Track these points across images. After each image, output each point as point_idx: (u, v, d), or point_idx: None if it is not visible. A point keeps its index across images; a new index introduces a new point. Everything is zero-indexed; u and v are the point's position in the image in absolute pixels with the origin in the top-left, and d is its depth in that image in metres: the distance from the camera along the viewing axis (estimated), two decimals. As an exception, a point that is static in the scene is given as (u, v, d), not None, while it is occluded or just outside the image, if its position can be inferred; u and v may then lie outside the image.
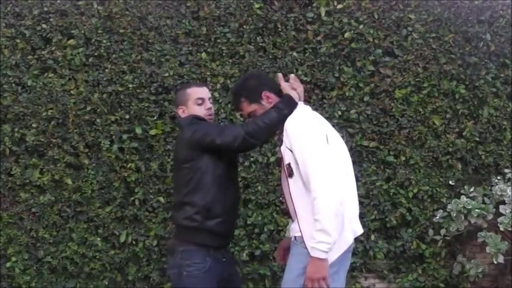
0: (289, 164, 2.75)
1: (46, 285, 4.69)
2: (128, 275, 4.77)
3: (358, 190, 2.97)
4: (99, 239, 4.74)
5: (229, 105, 4.83)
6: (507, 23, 5.26)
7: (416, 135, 5.08)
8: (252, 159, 4.85)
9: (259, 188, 4.84)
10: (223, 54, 4.93)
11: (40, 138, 4.72)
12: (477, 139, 5.15)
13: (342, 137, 3.02)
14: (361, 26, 5.06)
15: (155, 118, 4.82)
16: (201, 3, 4.96)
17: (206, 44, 4.94)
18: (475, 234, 4.85)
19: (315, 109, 4.95)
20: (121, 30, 4.85)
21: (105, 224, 4.75)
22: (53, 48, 4.79)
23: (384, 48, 5.10)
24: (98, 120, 4.78)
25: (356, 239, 2.89)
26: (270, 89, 2.97)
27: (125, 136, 4.78)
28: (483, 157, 5.15)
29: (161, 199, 4.80)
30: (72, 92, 4.78)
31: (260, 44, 4.97)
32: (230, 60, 4.93)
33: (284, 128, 2.79)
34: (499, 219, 4.71)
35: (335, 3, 5.07)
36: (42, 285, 4.70)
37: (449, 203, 4.91)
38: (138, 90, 4.82)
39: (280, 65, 4.94)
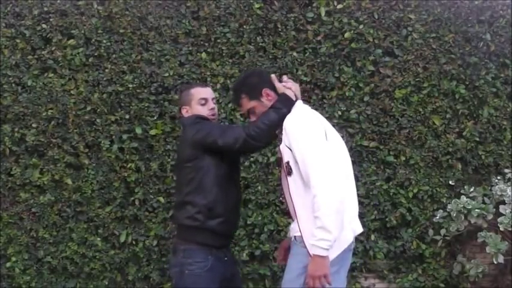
0: (287, 163, 2.75)
1: (46, 285, 4.69)
2: (127, 275, 4.77)
3: (358, 190, 2.97)
4: (99, 239, 4.74)
5: (229, 105, 4.83)
6: (507, 23, 5.26)
7: (416, 135, 5.08)
8: (252, 159, 4.85)
9: (259, 188, 4.84)
10: (223, 54, 4.93)
11: (40, 138, 4.72)
12: (477, 139, 5.15)
13: (342, 137, 3.02)
14: (361, 26, 5.06)
15: (155, 118, 4.82)
16: (201, 3, 4.96)
17: (206, 44, 4.94)
18: (475, 234, 4.85)
19: (315, 109, 4.95)
20: (121, 30, 4.85)
21: (105, 224, 4.75)
22: (53, 48, 4.79)
23: (384, 48, 5.11)
24: (98, 120, 4.78)
25: (356, 239, 2.89)
26: (271, 87, 2.99)
27: (125, 136, 4.78)
28: (483, 157, 5.15)
29: (161, 199, 4.80)
30: (72, 92, 4.78)
31: (260, 44, 4.97)
32: (230, 60, 4.93)
33: (283, 126, 2.79)
34: (499, 219, 4.71)
35: (335, 3, 5.07)
36: (42, 285, 4.70)
37: (449, 203, 4.91)
38: (138, 90, 4.82)
39: (280, 65, 4.94)
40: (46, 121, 4.74)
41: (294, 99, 2.95)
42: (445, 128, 5.13)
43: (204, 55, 4.91)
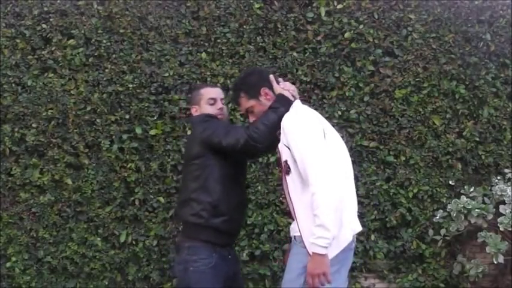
0: (286, 161, 2.75)
1: (46, 285, 4.69)
2: (128, 275, 4.77)
3: (358, 190, 2.98)
4: (99, 239, 4.74)
5: (229, 105, 4.83)
6: (507, 23, 5.26)
7: (416, 135, 5.08)
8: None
9: (259, 188, 4.84)
10: (223, 54, 4.93)
11: (40, 138, 4.72)
12: (477, 139, 5.15)
13: (342, 137, 3.02)
14: (361, 26, 5.06)
15: (155, 118, 4.82)
16: (201, 3, 4.96)
17: (206, 44, 4.94)
18: (475, 234, 4.85)
19: (315, 109, 4.95)
20: (121, 30, 4.85)
21: (105, 224, 4.75)
22: (53, 48, 4.79)
23: (384, 48, 5.11)
24: (98, 120, 4.78)
25: (356, 239, 2.89)
26: (269, 87, 2.99)
27: (125, 136, 4.78)
28: (483, 157, 5.15)
29: (161, 199, 4.80)
30: (72, 92, 4.78)
31: (260, 44, 4.97)
32: (230, 60, 4.93)
33: (281, 125, 2.79)
34: (499, 219, 4.71)
35: (335, 3, 5.07)
36: (42, 285, 4.69)
37: (449, 203, 4.91)
38: (138, 90, 4.83)
39: (280, 65, 4.95)
40: (46, 121, 4.74)
41: (291, 99, 2.96)
42: (445, 128, 5.13)
43: (204, 55, 4.91)
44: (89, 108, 4.78)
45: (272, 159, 4.81)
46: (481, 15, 5.26)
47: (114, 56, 4.83)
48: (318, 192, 2.58)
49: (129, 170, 4.77)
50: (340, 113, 4.99)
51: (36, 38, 4.80)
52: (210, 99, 3.18)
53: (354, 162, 3.00)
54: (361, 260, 4.97)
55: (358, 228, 2.86)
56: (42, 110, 4.73)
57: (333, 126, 2.99)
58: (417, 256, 5.08)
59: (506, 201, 4.81)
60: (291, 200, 2.76)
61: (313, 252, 2.60)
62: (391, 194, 5.01)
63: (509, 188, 4.87)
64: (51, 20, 4.80)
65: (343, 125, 4.96)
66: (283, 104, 2.90)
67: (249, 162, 4.83)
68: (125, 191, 4.79)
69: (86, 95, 4.78)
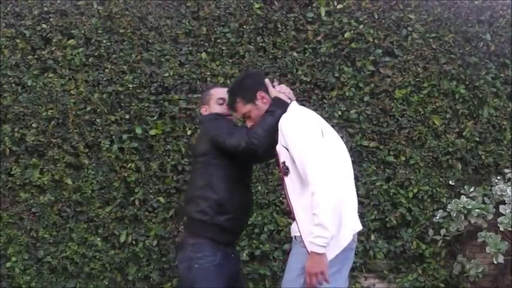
0: (284, 163, 2.75)
1: (46, 285, 4.69)
2: (128, 275, 4.77)
3: (358, 190, 2.97)
4: (99, 239, 4.74)
5: (229, 105, 4.83)
6: (507, 23, 5.26)
7: (416, 135, 5.08)
8: (252, 159, 4.85)
9: (259, 188, 4.84)
10: (223, 54, 4.93)
11: (40, 138, 4.72)
12: (477, 139, 5.15)
13: (342, 137, 3.02)
14: (361, 26, 5.06)
15: (155, 118, 4.82)
16: (201, 3, 4.96)
17: (206, 44, 4.94)
18: (475, 234, 4.85)
19: (315, 109, 4.96)
20: (121, 30, 4.85)
21: (105, 224, 4.75)
22: (53, 48, 4.80)
23: (384, 48, 5.11)
24: (98, 120, 4.78)
25: (356, 239, 2.89)
26: (266, 90, 3.00)
27: (125, 136, 4.79)
28: (483, 157, 5.15)
29: (161, 199, 4.80)
30: (72, 92, 4.78)
31: (260, 44, 4.97)
32: (230, 60, 4.93)
33: (279, 126, 2.79)
34: (499, 219, 4.71)
35: (335, 3, 5.07)
36: (42, 285, 4.70)
37: (449, 203, 4.91)
38: (138, 90, 4.83)
39: (280, 65, 4.95)
40: (46, 121, 4.74)
41: (287, 101, 2.98)
42: (445, 128, 5.13)
43: (204, 55, 4.91)
44: (89, 108, 4.78)
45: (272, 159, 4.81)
46: (481, 15, 5.26)
47: (114, 56, 4.83)
48: (318, 191, 2.59)
49: (129, 170, 4.78)
50: (340, 113, 4.99)
51: (36, 38, 4.80)
52: (219, 99, 3.24)
53: (354, 162, 2.99)
54: (361, 260, 4.97)
55: (359, 227, 2.86)
56: (42, 110, 4.73)
57: (333, 126, 2.99)
58: (417, 256, 5.08)
59: (506, 201, 4.81)
60: (290, 201, 2.76)
61: (311, 251, 2.61)
62: (391, 194, 5.01)
63: (509, 188, 4.87)
64: (51, 20, 4.81)
65: (343, 125, 4.96)
66: (279, 106, 2.92)
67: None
68: (125, 191, 4.79)
69: (86, 95, 4.79)
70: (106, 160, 4.76)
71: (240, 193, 3.09)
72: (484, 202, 4.86)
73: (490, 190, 4.99)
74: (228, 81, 4.86)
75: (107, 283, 4.76)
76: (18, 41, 4.79)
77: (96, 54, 4.82)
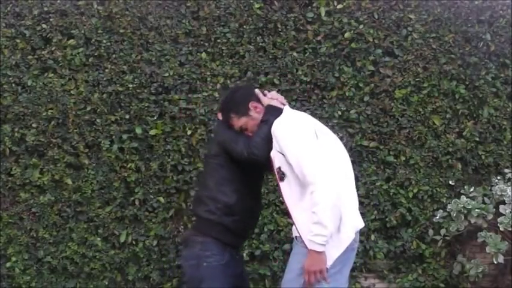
0: (279, 168, 2.76)
1: (46, 285, 4.69)
2: (128, 275, 4.77)
3: (358, 190, 2.98)
4: (99, 239, 4.74)
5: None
6: (507, 23, 5.25)
7: (416, 135, 5.08)
8: (252, 159, 4.85)
9: (259, 188, 4.83)
10: (223, 54, 4.93)
11: (40, 138, 4.72)
12: (477, 139, 5.15)
13: (342, 137, 3.03)
14: (361, 26, 5.06)
15: (155, 118, 4.82)
16: (201, 3, 4.96)
17: (206, 44, 4.94)
18: (475, 234, 4.85)
19: (315, 109, 4.98)
20: (121, 30, 4.85)
21: (105, 224, 4.75)
22: (53, 48, 4.79)
23: (384, 48, 5.10)
24: (98, 120, 4.78)
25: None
26: (257, 99, 3.02)
27: (125, 136, 4.78)
28: (483, 157, 5.15)
29: (161, 199, 4.80)
30: (72, 92, 4.78)
31: (260, 44, 4.97)
32: (230, 60, 4.93)
33: (271, 132, 2.80)
34: (499, 219, 4.71)
35: (335, 3, 5.07)
36: (42, 285, 4.70)
37: (449, 203, 4.91)
38: (138, 90, 4.83)
39: (280, 65, 4.95)
40: (46, 121, 4.74)
41: (281, 107, 2.99)
42: (445, 128, 5.13)
43: (204, 55, 4.91)
44: (89, 108, 4.78)
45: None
46: (481, 15, 5.25)
47: (114, 56, 4.82)
48: (317, 190, 2.60)
49: (129, 170, 4.77)
50: (340, 113, 4.99)
51: (36, 38, 4.80)
52: None
53: (354, 162, 3.00)
54: (361, 260, 4.97)
55: (361, 224, 2.87)
56: (42, 110, 4.73)
57: (333, 126, 3.01)
58: (417, 256, 5.08)
59: (506, 201, 4.81)
60: (287, 205, 2.77)
61: (310, 250, 2.61)
62: (391, 194, 5.01)
63: (509, 188, 4.87)
64: (51, 20, 4.80)
65: (343, 125, 4.95)
66: (273, 114, 2.95)
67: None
68: (125, 191, 4.79)
69: (86, 95, 4.78)
70: (106, 160, 4.76)
71: (249, 197, 3.11)
72: (484, 202, 4.86)
73: (490, 190, 4.99)
74: (228, 81, 4.87)
75: (107, 283, 4.76)
76: (18, 41, 4.79)
77: (96, 54, 4.82)
